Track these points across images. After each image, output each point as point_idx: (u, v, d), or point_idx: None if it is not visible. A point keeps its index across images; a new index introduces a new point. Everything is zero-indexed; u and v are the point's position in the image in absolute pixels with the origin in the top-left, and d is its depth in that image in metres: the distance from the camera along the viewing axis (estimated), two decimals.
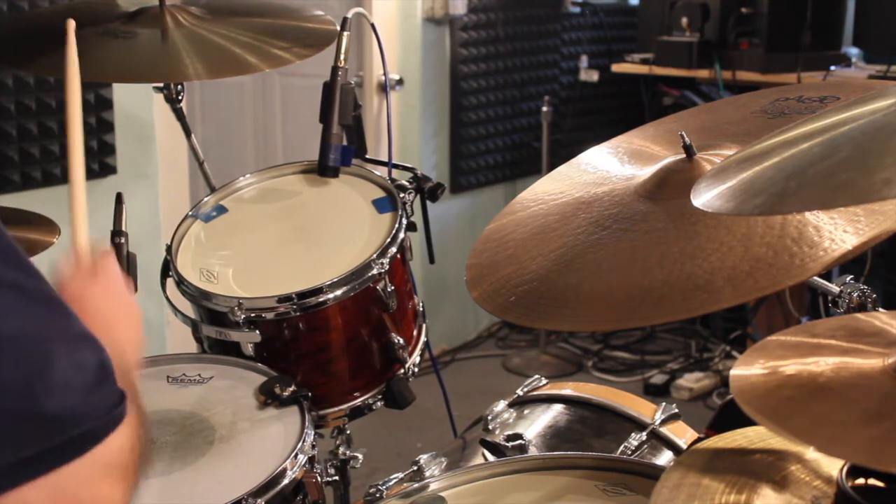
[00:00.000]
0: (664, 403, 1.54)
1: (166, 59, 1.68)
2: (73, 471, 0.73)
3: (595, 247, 1.19)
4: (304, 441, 1.35)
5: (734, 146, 1.23)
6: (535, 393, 1.62)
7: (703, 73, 3.87)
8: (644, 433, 1.47)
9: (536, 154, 4.27)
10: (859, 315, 1.04)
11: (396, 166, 1.82)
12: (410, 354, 1.63)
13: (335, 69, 1.67)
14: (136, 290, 1.54)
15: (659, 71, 4.02)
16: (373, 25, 1.85)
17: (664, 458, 1.46)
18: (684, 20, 3.88)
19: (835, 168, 0.79)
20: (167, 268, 1.62)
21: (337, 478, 1.63)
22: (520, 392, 1.62)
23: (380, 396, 1.61)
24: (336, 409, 1.57)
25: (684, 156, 1.25)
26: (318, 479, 1.38)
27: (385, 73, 2.02)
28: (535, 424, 1.55)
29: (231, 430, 1.38)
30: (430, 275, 3.57)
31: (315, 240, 1.65)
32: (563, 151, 4.02)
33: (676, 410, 1.53)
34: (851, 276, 1.21)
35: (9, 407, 0.70)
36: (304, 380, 1.51)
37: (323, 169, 1.67)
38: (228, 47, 1.70)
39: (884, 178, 0.72)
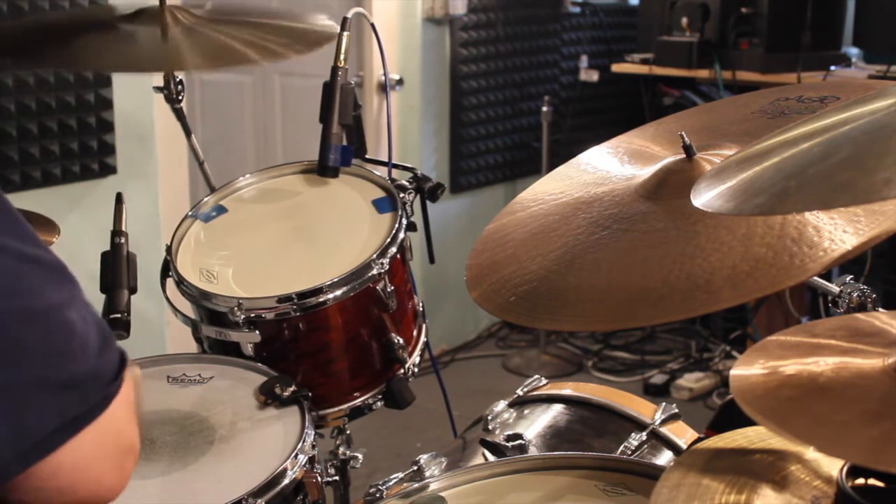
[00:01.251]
0: (664, 403, 1.54)
1: (165, 51, 1.68)
2: (111, 414, 0.82)
3: (595, 247, 1.19)
4: (304, 441, 1.35)
5: (734, 146, 1.23)
6: (535, 393, 1.62)
7: (703, 73, 3.87)
8: (644, 433, 1.47)
9: (536, 154, 4.27)
10: (859, 315, 1.03)
11: (396, 166, 1.82)
12: (410, 354, 1.63)
13: (335, 69, 1.67)
14: (136, 290, 1.55)
15: (659, 71, 4.02)
16: (373, 25, 1.85)
17: (664, 458, 1.46)
18: (684, 20, 3.88)
19: (835, 168, 0.79)
20: (167, 268, 1.62)
21: (337, 478, 1.63)
22: (520, 392, 1.62)
23: (380, 396, 1.60)
24: (336, 409, 1.57)
25: (684, 156, 1.25)
26: (318, 479, 1.38)
27: (385, 73, 2.02)
28: (535, 424, 1.55)
29: (231, 430, 1.38)
30: (430, 275, 3.57)
31: (315, 240, 1.65)
32: (563, 151, 4.02)
33: (676, 410, 1.53)
34: (851, 276, 1.21)
35: (51, 376, 0.78)
36: (304, 380, 1.51)
37: (323, 169, 1.67)
38: (227, 42, 1.69)
39: (884, 178, 0.72)
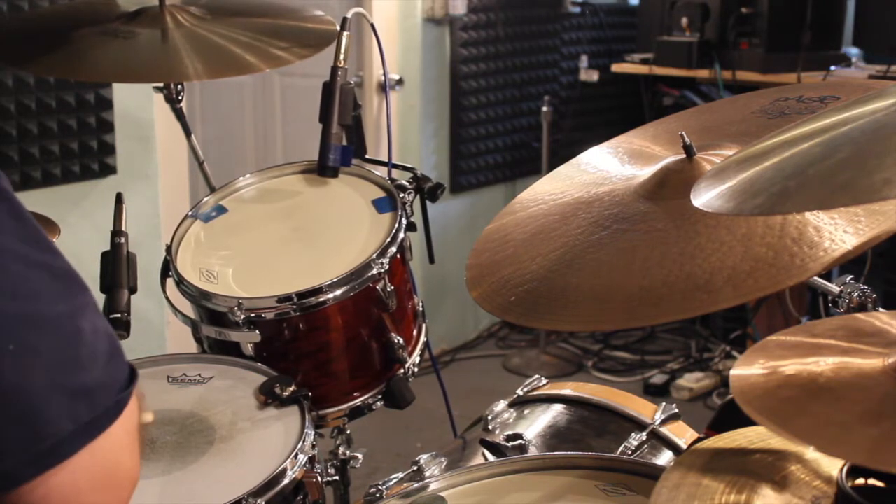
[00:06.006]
0: (664, 403, 1.54)
1: (166, 59, 1.68)
2: (111, 434, 0.79)
3: (595, 247, 1.19)
4: (304, 441, 1.35)
5: (734, 146, 1.23)
6: (535, 393, 1.62)
7: (703, 73, 3.87)
8: (644, 433, 1.47)
9: (536, 154, 4.27)
10: (859, 315, 1.03)
11: (396, 166, 1.82)
12: (410, 354, 1.63)
13: (335, 69, 1.67)
14: (135, 290, 1.55)
15: (659, 71, 4.02)
16: (373, 25, 1.85)
17: (664, 458, 1.46)
18: (684, 20, 3.88)
19: (835, 168, 0.79)
20: (167, 268, 1.62)
21: (337, 478, 1.63)
22: (520, 392, 1.62)
23: (380, 396, 1.60)
24: (336, 409, 1.57)
25: (684, 156, 1.25)
26: (318, 479, 1.38)
27: (385, 73, 2.01)
28: (535, 424, 1.55)
29: (231, 430, 1.38)
30: (430, 275, 3.57)
31: (315, 240, 1.65)
32: (563, 151, 4.02)
33: (676, 410, 1.53)
34: (851, 276, 1.21)
35: (61, 382, 0.76)
36: (303, 380, 1.51)
37: (323, 169, 1.67)
38: (228, 47, 1.70)
39: (884, 178, 0.72)
